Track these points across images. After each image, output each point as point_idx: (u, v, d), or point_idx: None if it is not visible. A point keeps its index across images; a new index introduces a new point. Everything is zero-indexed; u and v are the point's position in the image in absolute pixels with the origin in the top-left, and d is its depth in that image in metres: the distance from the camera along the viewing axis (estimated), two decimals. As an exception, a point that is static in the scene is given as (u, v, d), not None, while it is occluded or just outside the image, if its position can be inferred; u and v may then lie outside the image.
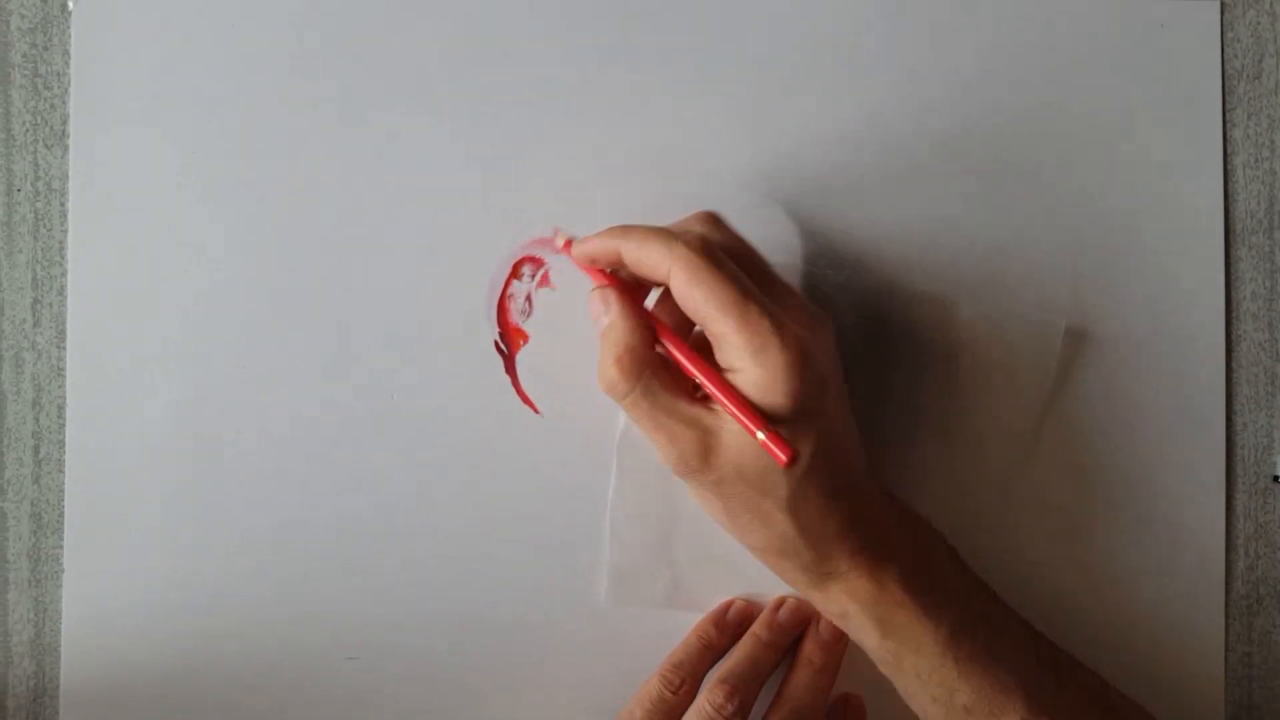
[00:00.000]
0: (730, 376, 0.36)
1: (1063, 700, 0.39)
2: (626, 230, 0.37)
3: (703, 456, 0.37)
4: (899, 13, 0.45)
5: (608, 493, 0.44)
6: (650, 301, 0.40)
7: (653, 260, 0.36)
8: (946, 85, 0.45)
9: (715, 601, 0.44)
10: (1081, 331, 0.45)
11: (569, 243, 0.40)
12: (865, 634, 0.39)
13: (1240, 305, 0.46)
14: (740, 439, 0.36)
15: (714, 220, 0.39)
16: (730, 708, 0.40)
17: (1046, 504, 0.45)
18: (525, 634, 0.44)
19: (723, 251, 0.37)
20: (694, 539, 0.44)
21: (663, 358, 0.38)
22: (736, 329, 0.35)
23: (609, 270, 0.39)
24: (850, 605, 0.39)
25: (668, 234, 0.37)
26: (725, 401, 0.36)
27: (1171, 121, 0.46)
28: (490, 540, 0.44)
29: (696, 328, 0.39)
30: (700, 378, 0.37)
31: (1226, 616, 0.45)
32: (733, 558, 0.43)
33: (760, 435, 0.35)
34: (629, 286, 0.39)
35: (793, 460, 0.35)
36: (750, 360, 0.36)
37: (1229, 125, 0.46)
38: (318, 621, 0.43)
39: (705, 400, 0.37)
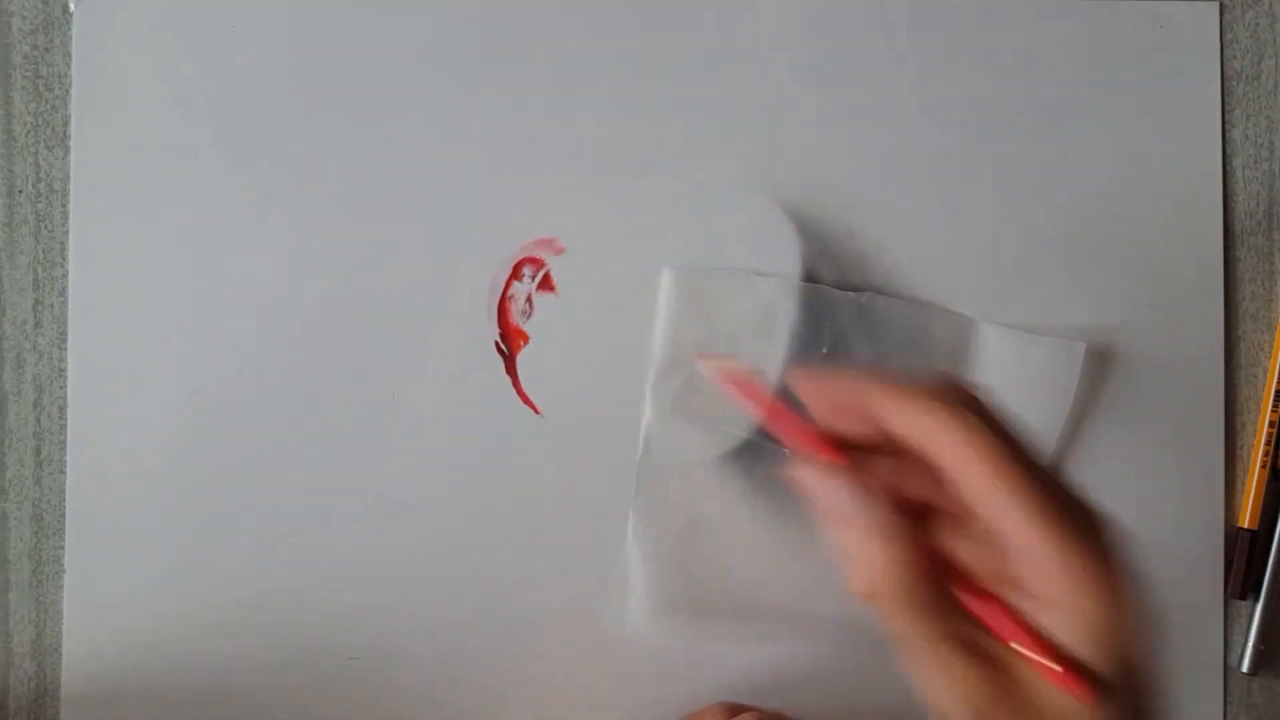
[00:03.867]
0: (1034, 606, 0.28)
1: None
2: (876, 380, 0.28)
3: (997, 702, 0.27)
4: (901, 15, 0.45)
5: (628, 511, 0.43)
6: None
7: (925, 430, 0.28)
8: (944, 86, 0.45)
9: (738, 619, 0.43)
10: (1106, 351, 0.45)
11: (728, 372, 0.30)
12: None
13: (1240, 305, 0.46)
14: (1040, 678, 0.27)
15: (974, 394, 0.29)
16: None
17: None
18: (525, 635, 0.44)
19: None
20: (716, 556, 0.43)
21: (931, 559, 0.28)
22: (1059, 554, 0.27)
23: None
24: None
25: (938, 392, 0.28)
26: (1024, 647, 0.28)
27: (1171, 121, 0.46)
28: (490, 541, 0.44)
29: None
30: (1010, 637, 0.28)
31: (1226, 617, 0.45)
32: (756, 575, 0.42)
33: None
34: (862, 463, 0.29)
35: (1097, 698, 0.27)
36: (1068, 592, 0.27)
37: (1228, 126, 0.46)
38: (318, 622, 0.43)
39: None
